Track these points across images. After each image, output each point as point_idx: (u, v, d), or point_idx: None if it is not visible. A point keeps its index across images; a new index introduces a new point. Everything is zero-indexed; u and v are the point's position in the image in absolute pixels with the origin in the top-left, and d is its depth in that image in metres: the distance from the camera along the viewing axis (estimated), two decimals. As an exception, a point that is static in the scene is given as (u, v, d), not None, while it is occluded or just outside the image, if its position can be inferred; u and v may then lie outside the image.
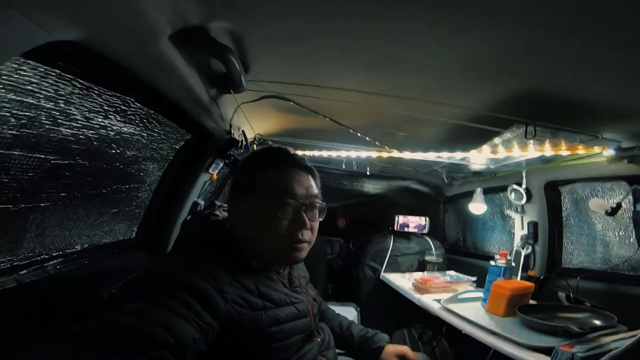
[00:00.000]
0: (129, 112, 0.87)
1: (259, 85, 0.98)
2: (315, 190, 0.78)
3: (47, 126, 0.70)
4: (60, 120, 0.72)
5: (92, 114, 0.78)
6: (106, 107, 0.80)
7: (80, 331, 0.47)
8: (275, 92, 1.02)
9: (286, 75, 0.96)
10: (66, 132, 0.75)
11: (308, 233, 0.75)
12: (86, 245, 1.02)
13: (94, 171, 0.89)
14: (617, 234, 1.44)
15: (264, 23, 0.70)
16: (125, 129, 0.91)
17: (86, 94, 0.73)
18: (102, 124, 0.82)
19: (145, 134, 1.00)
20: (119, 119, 0.85)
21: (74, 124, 0.75)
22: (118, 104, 0.82)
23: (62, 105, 0.70)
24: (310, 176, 0.78)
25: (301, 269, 0.99)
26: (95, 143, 0.84)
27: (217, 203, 0.88)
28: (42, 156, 0.73)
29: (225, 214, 0.84)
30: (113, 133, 0.87)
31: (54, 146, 0.74)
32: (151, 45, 0.61)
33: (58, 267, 0.89)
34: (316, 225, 0.78)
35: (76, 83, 0.69)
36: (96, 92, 0.74)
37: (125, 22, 0.54)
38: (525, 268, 1.70)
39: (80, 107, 0.74)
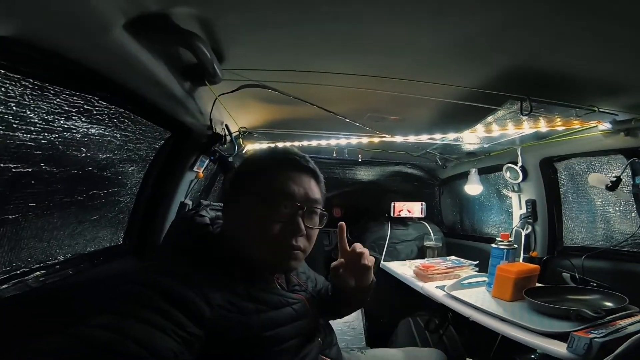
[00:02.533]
0: (94, 112, 0.80)
1: (237, 74, 0.92)
2: (317, 194, 0.72)
3: (1, 132, 0.64)
4: (15, 125, 0.65)
5: (52, 116, 0.71)
6: (67, 108, 0.73)
7: (45, 347, 0.43)
8: (255, 80, 0.95)
9: (266, 63, 0.89)
10: (24, 137, 0.68)
11: (303, 240, 0.69)
12: (69, 255, 0.97)
13: (64, 177, 0.83)
14: (617, 209, 1.41)
15: (235, 8, 0.64)
16: (93, 131, 0.84)
17: (40, 94, 0.66)
18: (65, 126, 0.76)
19: (118, 135, 0.94)
20: (83, 119, 0.79)
21: (32, 128, 0.69)
22: (80, 103, 0.75)
23: (15, 108, 0.63)
24: (313, 179, 0.72)
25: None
26: (60, 147, 0.77)
27: (204, 202, 0.82)
28: (1, 165, 0.67)
29: (213, 213, 0.78)
30: (79, 135, 0.81)
31: (12, 153, 0.68)
32: (103, 37, 0.54)
33: (41, 279, 0.85)
34: (314, 232, 0.72)
35: (26, 83, 0.63)
36: (52, 91, 0.68)
37: (66, 13, 0.48)
38: (527, 249, 1.67)
39: (36, 109, 0.67)
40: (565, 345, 0.87)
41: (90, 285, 0.98)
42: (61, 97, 0.70)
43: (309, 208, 0.69)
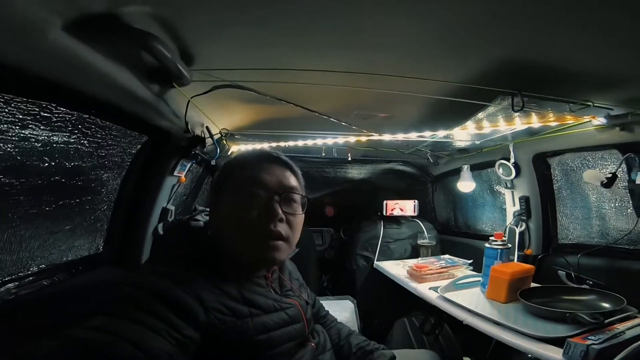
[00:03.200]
0: (53, 119, 0.75)
1: (209, 74, 0.87)
2: (292, 182, 0.74)
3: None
4: (-39, 136, 0.61)
5: (4, 125, 0.66)
6: (21, 116, 0.68)
7: (38, 349, 0.43)
8: (229, 81, 0.90)
9: (242, 61, 0.85)
10: (-25, 149, 0.64)
11: (284, 227, 0.69)
12: (43, 265, 0.94)
13: (26, 189, 0.78)
14: (612, 205, 1.38)
15: (196, 4, 0.58)
16: (55, 138, 0.79)
17: (-13, 103, 0.61)
18: (22, 135, 0.71)
19: (85, 141, 0.89)
20: (42, 127, 0.74)
21: (-17, 139, 0.64)
22: (35, 111, 0.70)
23: (-41, 119, 0.59)
24: (287, 170, 0.75)
25: (292, 272, 0.94)
26: (18, 158, 0.73)
27: (199, 208, 0.84)
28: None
29: (208, 218, 0.79)
30: (39, 144, 0.76)
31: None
32: (41, 40, 0.50)
33: (13, 291, 0.83)
34: (295, 220, 0.73)
35: (-30, 92, 0.58)
36: (1, 100, 0.63)
37: None
38: (521, 246, 1.64)
39: (-15, 119, 0.62)
40: (561, 350, 0.84)
41: (70, 294, 0.96)
42: (12, 105, 0.65)
43: (285, 194, 0.71)
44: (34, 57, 0.54)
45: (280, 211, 0.68)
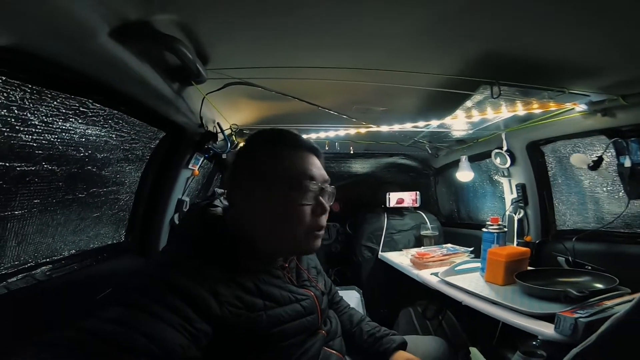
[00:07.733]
0: (89, 114, 0.87)
1: (222, 73, 0.97)
2: (326, 174, 0.75)
3: (6, 133, 0.70)
4: (17, 127, 0.72)
5: (50, 118, 0.77)
6: (64, 110, 0.79)
7: (58, 338, 0.45)
8: (238, 78, 1.01)
9: (249, 60, 0.95)
10: (26, 138, 0.75)
11: (324, 219, 0.72)
12: (73, 251, 1.03)
13: (65, 176, 0.89)
14: (605, 189, 1.42)
15: (211, 11, 0.69)
16: (90, 131, 0.90)
17: (39, 98, 0.72)
18: (63, 127, 0.82)
19: (113, 135, 1.00)
20: (80, 121, 0.85)
21: (33, 129, 0.75)
22: (75, 106, 0.81)
23: (16, 112, 0.70)
24: (319, 159, 0.76)
25: (311, 259, 0.93)
26: (60, 147, 0.84)
27: (219, 191, 0.82)
28: (7, 164, 0.73)
29: (227, 203, 0.78)
30: (77, 136, 0.87)
31: (16, 153, 0.74)
32: (91, 44, 0.60)
33: (47, 273, 0.90)
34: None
35: (25, 88, 0.69)
36: (49, 95, 0.74)
37: (56, 24, 0.54)
38: (521, 234, 1.69)
39: (36, 112, 0.74)
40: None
41: (94, 280, 1.02)
42: (58, 100, 0.77)
43: (326, 187, 0.73)
44: (84, 58, 0.65)
45: (328, 206, 0.71)
